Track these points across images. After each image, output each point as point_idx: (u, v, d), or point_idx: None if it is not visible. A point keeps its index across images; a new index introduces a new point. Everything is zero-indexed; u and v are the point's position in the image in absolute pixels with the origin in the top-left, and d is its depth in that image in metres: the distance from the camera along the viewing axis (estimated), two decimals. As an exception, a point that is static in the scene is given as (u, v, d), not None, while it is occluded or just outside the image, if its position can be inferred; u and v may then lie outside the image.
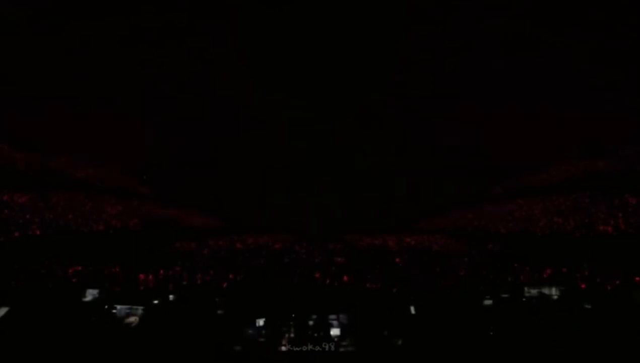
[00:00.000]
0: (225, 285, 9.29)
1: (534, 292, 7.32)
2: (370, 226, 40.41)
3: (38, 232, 14.26)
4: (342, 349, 5.00)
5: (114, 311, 5.95)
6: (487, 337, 5.02)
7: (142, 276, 9.78)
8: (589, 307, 6.03)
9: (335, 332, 5.37)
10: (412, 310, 6.34)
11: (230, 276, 10.22)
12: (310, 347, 4.33)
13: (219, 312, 6.55)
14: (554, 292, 7.31)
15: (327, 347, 4.38)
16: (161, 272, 10.44)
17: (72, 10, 10.98)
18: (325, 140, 32.06)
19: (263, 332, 5.39)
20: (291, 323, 5.60)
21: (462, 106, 21.07)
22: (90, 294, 7.09)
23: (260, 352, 5.04)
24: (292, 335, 5.41)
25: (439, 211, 37.45)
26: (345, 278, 10.30)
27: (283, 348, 5.14)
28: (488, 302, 6.62)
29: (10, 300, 5.67)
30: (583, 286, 8.79)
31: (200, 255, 15.53)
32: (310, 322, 5.42)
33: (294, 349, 4.46)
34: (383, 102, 23.04)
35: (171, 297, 7.21)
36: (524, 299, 7.19)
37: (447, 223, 32.60)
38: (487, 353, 4.41)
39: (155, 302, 7.00)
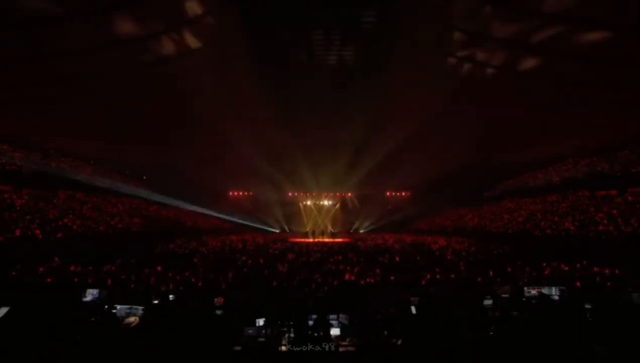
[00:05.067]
0: (224, 285, 9.28)
1: (534, 292, 7.33)
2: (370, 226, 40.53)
3: (38, 232, 14.27)
4: (342, 349, 5.00)
5: (114, 311, 5.95)
6: (487, 337, 5.02)
7: (142, 276, 9.78)
8: (589, 307, 6.03)
9: (335, 332, 5.37)
10: (413, 310, 6.34)
11: (230, 276, 10.21)
12: (310, 347, 4.32)
13: (219, 312, 6.54)
14: (554, 292, 7.32)
15: (327, 347, 4.38)
16: (161, 272, 10.44)
17: (71, 10, 10.99)
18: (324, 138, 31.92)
19: (263, 332, 5.38)
20: (291, 323, 5.59)
21: (461, 106, 21.01)
22: (90, 294, 7.09)
23: (260, 352, 5.03)
24: (292, 335, 5.41)
25: (439, 211, 37.52)
26: (345, 277, 10.29)
27: (283, 348, 5.14)
28: (488, 302, 6.62)
29: (10, 300, 5.66)
30: (578, 284, 8.79)
31: (200, 255, 15.52)
32: (310, 322, 5.42)
33: (294, 349, 4.46)
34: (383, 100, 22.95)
35: (171, 297, 7.21)
36: (524, 299, 7.20)
37: (447, 223, 32.66)
38: (487, 353, 4.40)
39: (155, 302, 7.00)
